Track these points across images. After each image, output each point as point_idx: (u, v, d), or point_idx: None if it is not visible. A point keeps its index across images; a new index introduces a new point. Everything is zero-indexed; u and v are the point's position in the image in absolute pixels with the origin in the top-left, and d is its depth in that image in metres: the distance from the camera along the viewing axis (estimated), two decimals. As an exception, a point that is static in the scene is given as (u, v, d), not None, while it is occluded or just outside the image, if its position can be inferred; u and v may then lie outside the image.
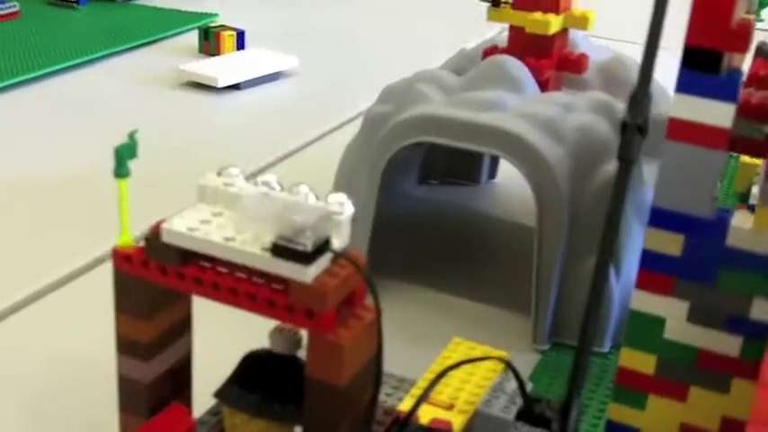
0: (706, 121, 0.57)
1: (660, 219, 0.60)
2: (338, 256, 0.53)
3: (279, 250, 0.52)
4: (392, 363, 0.85)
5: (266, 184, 0.58)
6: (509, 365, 0.62)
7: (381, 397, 0.80)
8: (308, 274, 0.52)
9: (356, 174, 0.99)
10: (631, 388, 0.65)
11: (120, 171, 0.57)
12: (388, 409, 0.64)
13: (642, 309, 0.63)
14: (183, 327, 0.62)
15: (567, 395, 0.43)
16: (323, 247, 0.52)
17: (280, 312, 0.54)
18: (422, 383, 0.71)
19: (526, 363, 0.87)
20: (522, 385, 0.63)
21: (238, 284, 0.54)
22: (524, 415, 0.62)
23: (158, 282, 0.57)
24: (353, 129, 1.09)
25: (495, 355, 0.75)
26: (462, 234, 1.12)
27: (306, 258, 0.51)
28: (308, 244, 0.51)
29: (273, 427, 0.59)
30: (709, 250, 0.59)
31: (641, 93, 0.47)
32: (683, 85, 0.57)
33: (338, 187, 1.03)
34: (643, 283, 0.62)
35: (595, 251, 0.82)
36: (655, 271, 0.61)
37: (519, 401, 0.63)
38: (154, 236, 0.56)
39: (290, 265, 0.52)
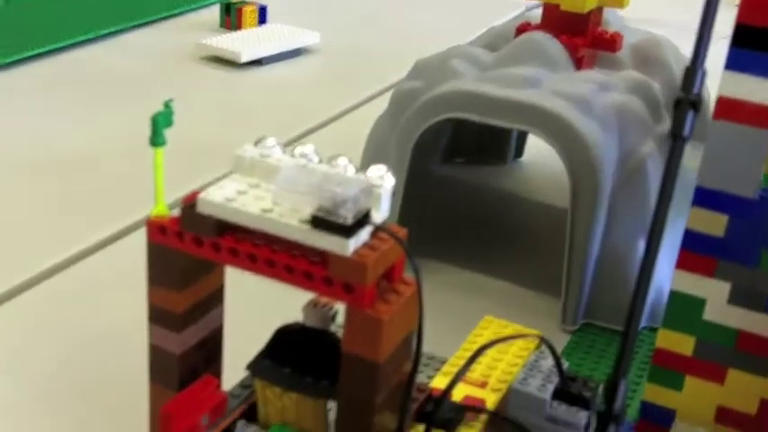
0: (754, 100, 0.56)
1: (704, 199, 0.59)
2: (378, 229, 0.52)
3: (318, 222, 0.51)
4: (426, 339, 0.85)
5: (304, 155, 0.57)
6: (546, 343, 0.61)
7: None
8: (347, 247, 0.51)
9: (384, 150, 0.98)
10: (668, 368, 0.64)
11: (157, 140, 0.56)
12: (422, 386, 0.64)
13: (682, 289, 0.62)
14: (216, 298, 0.61)
15: (613, 374, 0.42)
16: (363, 219, 0.51)
17: (318, 285, 0.53)
18: (454, 361, 0.70)
19: (556, 343, 0.86)
20: (558, 363, 0.62)
21: (276, 256, 0.53)
22: (561, 393, 0.61)
23: (193, 253, 0.56)
24: (377, 105, 1.08)
25: (530, 332, 0.74)
26: (489, 213, 1.11)
27: (346, 231, 0.50)
28: (348, 216, 0.50)
29: (305, 401, 0.58)
30: (753, 231, 0.58)
31: (695, 67, 0.45)
32: (733, 63, 0.55)
33: (365, 162, 1.03)
34: (684, 263, 0.61)
35: (629, 231, 0.81)
36: (697, 251, 0.60)
37: (555, 380, 0.62)
38: (189, 206, 0.55)
39: (330, 238, 0.51)
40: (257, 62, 1.60)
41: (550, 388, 0.61)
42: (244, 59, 1.57)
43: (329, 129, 1.38)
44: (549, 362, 0.65)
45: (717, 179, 0.58)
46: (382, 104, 1.03)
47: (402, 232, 0.54)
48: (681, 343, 0.63)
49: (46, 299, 0.92)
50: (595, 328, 0.88)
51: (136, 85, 1.49)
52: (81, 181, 1.16)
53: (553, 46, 0.92)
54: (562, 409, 0.60)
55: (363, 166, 1.04)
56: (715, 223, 0.59)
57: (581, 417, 0.60)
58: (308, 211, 0.51)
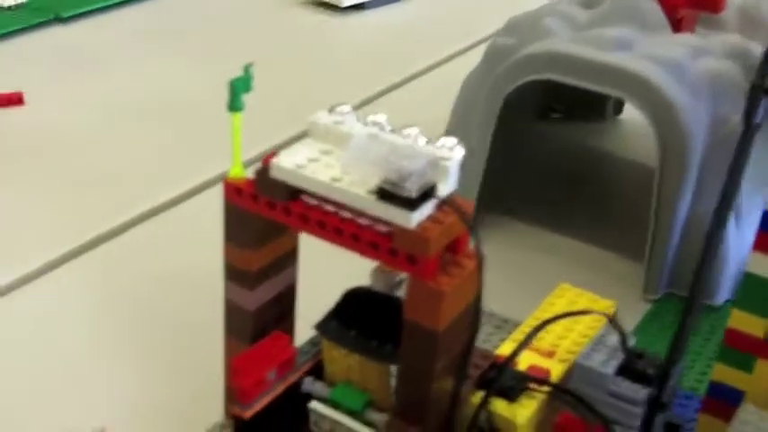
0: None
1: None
2: (443, 202, 0.52)
3: (384, 194, 0.52)
4: (497, 301, 0.85)
5: (376, 124, 0.57)
6: (611, 320, 0.61)
7: (482, 337, 0.80)
8: (411, 219, 0.51)
9: (474, 105, 0.97)
10: (739, 349, 0.63)
11: (235, 105, 0.57)
12: (487, 353, 0.64)
13: (757, 271, 0.60)
14: (289, 258, 0.63)
15: (668, 355, 0.42)
16: (428, 192, 0.52)
17: (383, 255, 0.54)
18: (524, 328, 0.71)
19: (635, 312, 0.85)
20: (624, 339, 0.62)
21: (343, 224, 0.55)
22: (625, 370, 0.61)
23: (266, 215, 0.58)
24: (475, 55, 1.07)
25: (601, 306, 0.74)
26: (582, 172, 1.10)
27: (410, 204, 0.51)
28: (413, 190, 0.51)
29: (369, 364, 0.59)
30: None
31: (772, 51, 0.44)
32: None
33: (455, 116, 1.03)
34: (761, 244, 0.60)
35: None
36: (774, 234, 0.59)
37: (620, 355, 0.62)
38: (264, 170, 0.57)
39: (395, 210, 0.52)
40: (360, 6, 1.60)
41: (614, 364, 0.61)
42: (346, 3, 1.57)
43: (428, 77, 1.38)
44: (616, 336, 0.64)
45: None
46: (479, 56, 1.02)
47: (469, 205, 0.55)
48: (753, 325, 0.62)
49: (146, 239, 0.96)
50: (678, 300, 0.87)
51: (232, 30, 1.51)
52: (161, 131, 1.19)
53: (650, 6, 0.89)
54: (624, 386, 0.60)
55: (452, 122, 1.04)
56: (793, 208, 0.58)
57: (642, 393, 0.60)
58: (375, 182, 0.52)
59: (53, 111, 1.21)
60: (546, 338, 0.70)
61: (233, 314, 0.63)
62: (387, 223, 0.53)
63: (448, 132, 0.99)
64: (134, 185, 1.05)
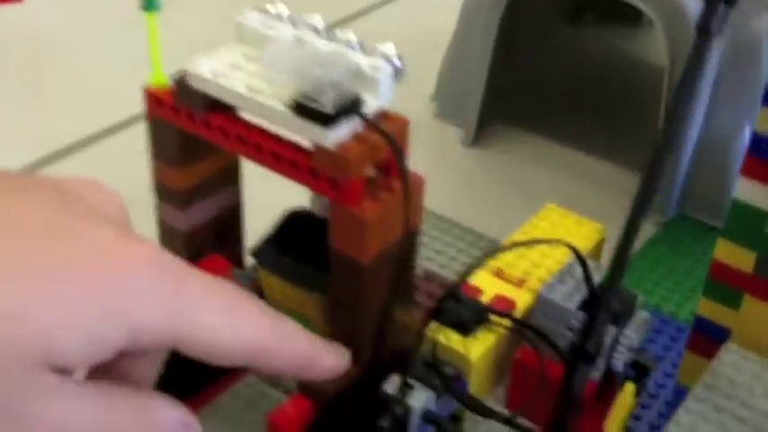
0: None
1: (774, 97, 0.50)
2: (366, 120, 0.46)
3: (300, 108, 0.46)
4: (485, 216, 0.79)
5: (309, 26, 0.51)
6: (574, 251, 0.54)
7: (451, 254, 0.74)
8: (328, 137, 0.45)
9: (479, 6, 0.90)
10: (726, 284, 0.56)
11: (150, 3, 0.51)
12: (443, 281, 0.59)
13: (745, 199, 0.53)
14: (228, 176, 0.57)
15: (589, 307, 0.36)
16: (351, 108, 0.46)
17: (303, 176, 0.48)
18: (501, 252, 0.65)
19: (641, 234, 0.78)
20: (587, 273, 0.56)
21: (264, 141, 0.49)
22: (589, 306, 0.55)
23: (187, 129, 0.52)
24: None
25: (587, 229, 0.67)
26: (606, 80, 1.02)
27: (326, 120, 0.45)
28: (328, 104, 0.45)
29: (304, 293, 0.54)
30: (829, 140, 0.49)
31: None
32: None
33: (460, 28, 0.95)
34: (749, 170, 0.53)
35: (734, 116, 0.72)
36: (764, 158, 0.52)
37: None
38: (182, 78, 0.51)
39: (311, 127, 0.46)
40: None
41: (578, 297, 0.55)
42: None
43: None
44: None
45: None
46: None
47: (402, 122, 0.48)
48: (741, 258, 0.55)
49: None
50: (689, 222, 0.80)
51: None
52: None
53: None
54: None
55: (458, 31, 0.96)
56: (785, 126, 0.50)
57: (606, 332, 0.54)
58: (292, 94, 0.46)
59: (49, 12, 1.16)
60: (519, 266, 0.64)
61: (166, 236, 0.58)
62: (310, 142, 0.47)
63: (454, 39, 0.92)
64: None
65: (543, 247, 0.64)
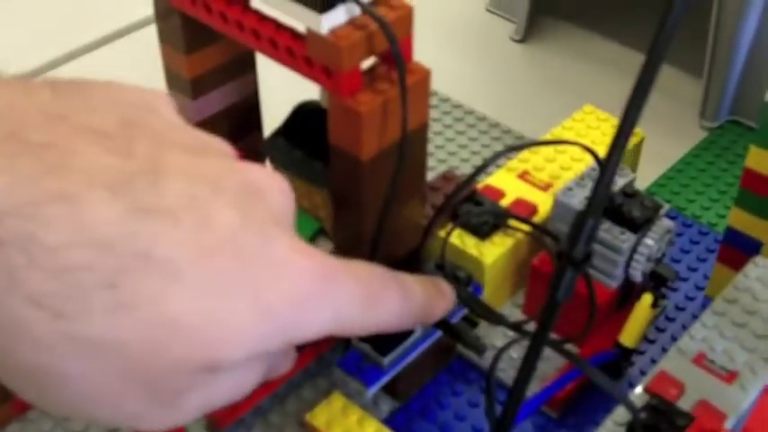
0: None
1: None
2: (362, 6, 0.44)
3: (293, -8, 0.43)
4: (528, 112, 0.76)
5: None
6: (592, 153, 0.51)
7: (474, 148, 0.72)
8: (321, 23, 0.43)
9: None
10: (757, 193, 0.53)
11: None
12: (449, 175, 0.57)
13: (780, 101, 0.50)
14: (238, 68, 0.56)
15: (587, 204, 0.34)
16: (347, -8, 0.43)
17: (299, 64, 0.46)
18: (524, 155, 0.62)
19: (688, 140, 0.75)
20: (602, 179, 0.53)
21: (262, 26, 0.47)
22: (609, 212, 0.52)
23: (189, 13, 0.50)
24: None
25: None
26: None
27: (318, 4, 0.43)
28: (320, -14, 0.42)
29: (315, 189, 0.53)
30: None
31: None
32: None
33: None
34: (785, 70, 0.49)
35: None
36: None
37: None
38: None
39: (304, 11, 0.43)
40: None
41: (596, 203, 0.52)
42: None
43: None
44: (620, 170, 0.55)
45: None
46: None
47: (405, 7, 0.45)
48: (774, 166, 0.52)
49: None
50: (741, 128, 0.76)
51: None
52: None
53: None
54: (605, 229, 0.52)
55: None
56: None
57: (624, 240, 0.51)
58: (287, -23, 0.44)
59: None
60: (546, 169, 0.61)
61: (180, 126, 0.57)
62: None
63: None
64: None
65: (575, 150, 0.61)
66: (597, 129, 0.64)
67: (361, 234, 0.50)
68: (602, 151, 0.55)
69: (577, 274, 0.36)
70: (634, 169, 0.65)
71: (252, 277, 0.28)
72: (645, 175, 0.69)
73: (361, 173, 0.47)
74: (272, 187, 0.31)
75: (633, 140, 0.63)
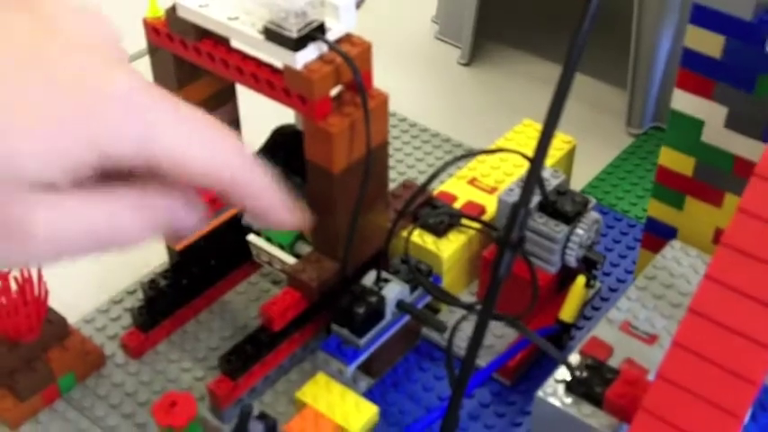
0: None
1: (701, 16, 0.55)
2: (328, 43, 0.53)
3: (270, 34, 0.52)
4: (474, 128, 0.85)
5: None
6: (525, 158, 0.61)
7: (428, 161, 0.81)
8: (296, 60, 0.52)
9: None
10: (670, 187, 0.63)
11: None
12: (408, 184, 0.65)
13: (682, 109, 0.59)
14: (221, 99, 0.64)
15: (521, 195, 0.42)
16: (315, 33, 0.52)
17: (278, 95, 0.55)
18: (473, 163, 0.71)
19: (615, 145, 0.84)
20: (539, 178, 0.62)
21: (245, 63, 0.56)
22: (545, 207, 0.61)
23: (181, 54, 0.59)
24: None
25: (558, 142, 0.73)
26: None
27: (292, 44, 0.52)
28: (293, 29, 0.51)
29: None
30: (749, 55, 0.54)
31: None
32: None
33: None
34: (683, 82, 0.58)
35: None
36: (695, 71, 0.57)
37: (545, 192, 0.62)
38: (172, 9, 0.57)
39: (280, 50, 0.52)
40: None
41: (535, 200, 0.62)
42: None
43: None
44: (548, 173, 0.65)
45: (714, -5, 0.54)
46: None
47: (364, 45, 0.54)
48: (681, 163, 0.61)
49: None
50: (663, 133, 0.85)
51: None
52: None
53: None
54: (542, 222, 0.61)
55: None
56: (712, 43, 0.55)
57: (559, 230, 0.61)
58: (264, 22, 0.53)
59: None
60: (492, 175, 0.70)
61: (172, 151, 0.65)
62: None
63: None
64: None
65: (516, 158, 0.70)
66: (535, 139, 0.73)
67: (335, 237, 0.59)
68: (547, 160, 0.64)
69: (514, 255, 0.44)
70: (569, 172, 0.74)
71: (47, 91, 0.27)
72: (580, 178, 0.79)
73: (333, 184, 0.56)
74: (86, 26, 0.30)
75: (566, 148, 0.72)
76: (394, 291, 0.58)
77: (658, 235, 0.65)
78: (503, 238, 0.44)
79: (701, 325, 0.46)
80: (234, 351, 0.58)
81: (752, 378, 0.45)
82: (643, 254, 0.67)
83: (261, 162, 0.32)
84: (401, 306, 0.59)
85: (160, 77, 0.62)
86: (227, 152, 0.31)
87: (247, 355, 0.58)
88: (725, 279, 0.46)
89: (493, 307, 0.46)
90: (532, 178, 0.44)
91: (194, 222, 0.32)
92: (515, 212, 0.44)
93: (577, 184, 0.78)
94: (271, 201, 0.33)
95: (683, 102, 0.59)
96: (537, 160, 0.45)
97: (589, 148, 0.80)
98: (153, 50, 0.61)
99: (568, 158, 0.73)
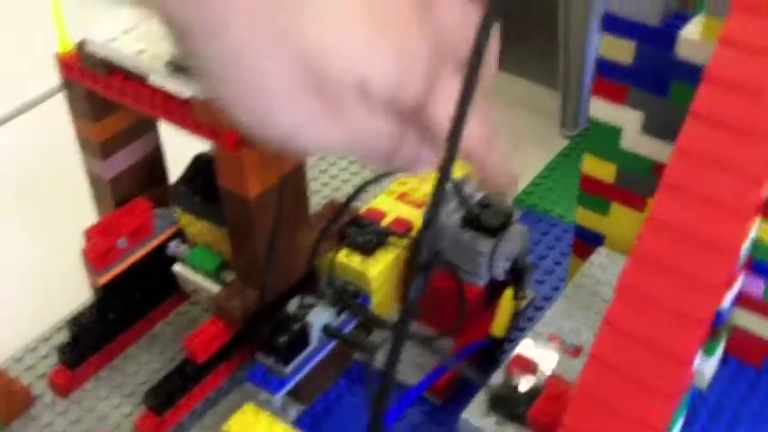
0: None
1: (612, 24, 0.55)
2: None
3: (176, 67, 0.52)
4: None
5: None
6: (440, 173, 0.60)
7: (351, 187, 0.80)
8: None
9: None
10: (594, 194, 0.62)
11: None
12: (333, 203, 0.65)
13: (600, 116, 0.59)
14: (141, 129, 0.63)
15: (425, 221, 0.42)
16: (221, 63, 0.51)
17: (190, 126, 0.54)
18: (403, 179, 0.71)
19: (549, 149, 0.84)
20: (461, 192, 0.62)
21: (155, 96, 0.55)
22: (469, 221, 0.61)
23: (92, 88, 0.58)
24: None
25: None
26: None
27: (198, 76, 0.51)
28: (198, 62, 0.50)
29: (216, 227, 0.61)
30: (659, 60, 0.54)
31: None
32: None
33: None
34: (599, 89, 0.58)
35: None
36: (609, 78, 0.57)
37: (470, 206, 0.62)
38: (82, 44, 0.57)
39: (187, 82, 0.52)
40: None
41: (456, 217, 0.61)
42: None
43: None
44: (470, 186, 0.64)
45: (623, 5, 0.54)
46: None
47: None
48: (603, 170, 0.60)
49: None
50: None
51: None
52: None
53: None
54: (467, 236, 0.60)
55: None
56: (623, 50, 0.55)
57: (484, 244, 0.60)
58: (169, 56, 0.52)
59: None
60: (421, 189, 0.70)
61: (94, 183, 0.65)
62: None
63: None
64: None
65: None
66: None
67: (255, 261, 0.58)
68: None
69: (425, 278, 0.44)
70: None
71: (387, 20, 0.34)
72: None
73: (249, 210, 0.55)
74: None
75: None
76: (319, 316, 0.57)
77: (587, 242, 0.65)
78: (413, 261, 0.43)
79: (616, 337, 0.46)
80: (159, 385, 0.57)
81: (668, 391, 0.45)
82: (574, 261, 0.67)
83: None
84: (327, 331, 0.58)
85: (76, 111, 0.61)
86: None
87: (172, 389, 0.57)
88: (637, 292, 0.46)
89: (407, 330, 0.45)
90: (438, 196, 0.44)
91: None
92: (420, 236, 0.43)
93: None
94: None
95: (601, 109, 0.59)
96: (441, 178, 0.44)
97: (524, 153, 0.80)
98: (68, 85, 0.60)
99: (498, 168, 0.73)
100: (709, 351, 0.55)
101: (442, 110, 0.36)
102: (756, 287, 0.55)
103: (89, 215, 0.66)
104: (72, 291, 0.67)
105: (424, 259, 0.43)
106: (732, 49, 0.46)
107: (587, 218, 0.64)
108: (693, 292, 0.45)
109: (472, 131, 0.39)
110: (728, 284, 0.50)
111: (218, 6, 0.32)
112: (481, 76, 0.40)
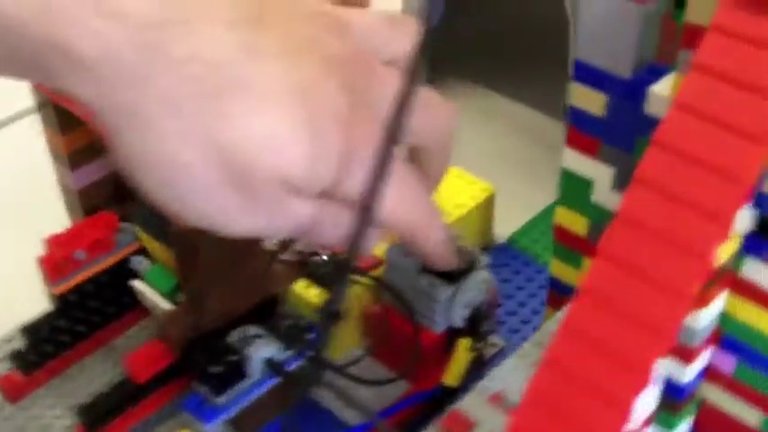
0: (630, -34, 0.48)
1: (583, 73, 0.53)
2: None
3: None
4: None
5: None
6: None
7: None
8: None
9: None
10: (567, 247, 0.60)
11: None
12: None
13: (571, 168, 0.56)
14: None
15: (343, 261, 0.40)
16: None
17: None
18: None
19: (551, 188, 0.81)
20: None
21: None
22: (428, 266, 0.59)
23: (58, 101, 0.58)
24: None
25: (476, 189, 0.70)
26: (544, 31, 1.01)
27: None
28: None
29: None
30: (628, 115, 0.51)
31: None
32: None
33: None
34: (571, 140, 0.55)
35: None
36: (581, 129, 0.54)
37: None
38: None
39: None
40: None
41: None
42: None
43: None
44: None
45: (593, 54, 0.51)
46: None
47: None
48: (576, 223, 0.57)
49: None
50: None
51: None
52: None
53: None
54: (424, 282, 0.58)
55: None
56: (595, 101, 0.52)
57: (441, 292, 0.58)
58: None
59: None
60: (399, 223, 0.68)
61: (65, 194, 0.65)
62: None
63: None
64: None
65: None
66: (452, 185, 0.70)
67: (201, 288, 0.57)
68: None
69: (329, 328, 0.42)
70: (489, 221, 0.72)
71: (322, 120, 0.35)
72: (512, 221, 0.76)
73: (191, 231, 0.54)
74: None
75: (481, 197, 0.70)
76: (261, 349, 0.56)
77: (562, 294, 0.62)
78: (325, 310, 0.42)
79: (572, 341, 0.43)
80: (93, 402, 0.57)
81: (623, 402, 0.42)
82: (549, 312, 0.64)
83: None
84: (270, 365, 0.57)
85: (48, 125, 0.61)
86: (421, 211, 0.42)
87: (108, 408, 0.56)
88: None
89: (318, 377, 0.44)
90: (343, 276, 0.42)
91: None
92: (336, 282, 0.42)
93: (506, 227, 0.75)
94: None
95: (573, 160, 0.56)
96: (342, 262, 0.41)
97: (526, 187, 0.78)
98: (39, 100, 0.60)
99: (486, 207, 0.70)
100: (668, 424, 0.52)
101: (358, 186, 0.37)
102: (728, 365, 0.52)
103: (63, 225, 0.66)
104: (28, 297, 0.66)
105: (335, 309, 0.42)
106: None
107: (561, 270, 0.61)
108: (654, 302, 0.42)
109: (408, 214, 0.41)
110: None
111: (130, 94, 0.32)
112: (435, 168, 0.44)
